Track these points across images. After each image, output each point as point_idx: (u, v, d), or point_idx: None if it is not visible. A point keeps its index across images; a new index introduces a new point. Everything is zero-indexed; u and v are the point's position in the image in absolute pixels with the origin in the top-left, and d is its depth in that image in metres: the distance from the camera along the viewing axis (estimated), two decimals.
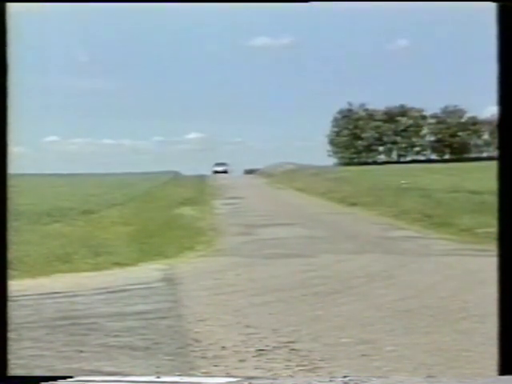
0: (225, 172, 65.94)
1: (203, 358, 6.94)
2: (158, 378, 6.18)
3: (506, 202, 3.07)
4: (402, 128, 70.71)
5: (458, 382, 5.97)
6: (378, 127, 71.33)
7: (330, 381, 5.79)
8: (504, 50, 3.03)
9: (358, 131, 71.76)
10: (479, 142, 69.80)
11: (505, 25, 3.02)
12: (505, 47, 3.03)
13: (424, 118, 71.45)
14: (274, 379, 6.16)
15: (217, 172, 65.09)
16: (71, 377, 4.28)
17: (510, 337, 3.03)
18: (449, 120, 70.07)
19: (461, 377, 6.13)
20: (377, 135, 71.66)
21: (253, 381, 5.88)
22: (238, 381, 5.89)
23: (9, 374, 3.19)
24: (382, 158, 73.16)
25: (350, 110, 72.97)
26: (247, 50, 65.54)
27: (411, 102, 70.39)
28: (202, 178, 49.54)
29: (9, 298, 3.43)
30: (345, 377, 6.10)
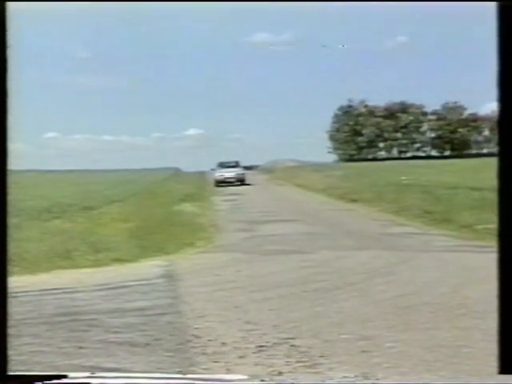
0: (240, 181, 40.88)
1: (203, 354, 6.94)
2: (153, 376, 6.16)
3: (506, 198, 3.07)
4: (402, 124, 70.75)
5: (458, 382, 5.97)
6: (378, 123, 71.35)
7: (344, 377, 5.79)
8: (504, 50, 3.03)
9: (358, 127, 71.80)
10: (479, 138, 69.84)
11: (505, 24, 3.02)
12: (505, 47, 3.03)
13: (424, 114, 71.50)
14: (283, 379, 6.16)
15: (223, 182, 40.25)
16: (67, 374, 4.26)
17: (510, 335, 3.02)
18: (449, 116, 70.10)
19: (460, 373, 6.13)
20: (377, 131, 71.69)
21: (265, 380, 5.86)
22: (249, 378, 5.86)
23: (9, 373, 3.19)
24: (383, 154, 73.21)
25: (350, 107, 73.01)
26: (247, 46, 65.52)
27: (411, 98, 70.40)
28: (202, 174, 49.55)
29: (9, 295, 3.44)
30: (356, 375, 6.09)
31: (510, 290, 3.01)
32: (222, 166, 42.62)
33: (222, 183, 40.12)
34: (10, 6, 3.07)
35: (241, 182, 41.09)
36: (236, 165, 43.24)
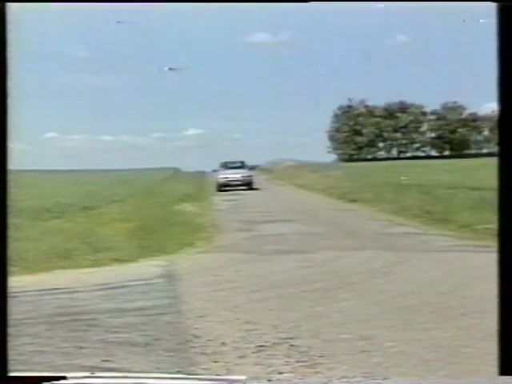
0: (246, 185, 35.33)
1: (203, 354, 6.94)
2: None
3: (506, 198, 3.07)
4: (401, 124, 70.81)
5: (458, 382, 5.97)
6: (377, 123, 71.36)
7: (347, 382, 5.78)
8: (504, 50, 3.04)
9: (358, 127, 71.82)
10: (479, 138, 69.87)
11: (505, 25, 3.02)
12: (505, 47, 3.04)
13: (424, 114, 71.56)
14: (289, 380, 6.15)
15: (227, 186, 34.90)
16: (66, 376, 4.28)
17: (510, 335, 3.02)
18: (449, 116, 70.12)
19: (460, 372, 6.13)
20: (377, 131, 71.71)
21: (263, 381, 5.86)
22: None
23: (10, 374, 3.20)
24: (382, 154, 73.28)
25: (350, 106, 73.04)
26: (246, 47, 65.46)
27: (411, 97, 70.45)
28: (201, 174, 49.53)
29: (9, 295, 3.44)
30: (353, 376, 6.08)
31: (509, 291, 3.01)
32: (226, 166, 36.90)
33: (225, 187, 34.82)
34: (9, 6, 3.07)
35: (247, 186, 35.29)
36: (242, 165, 37.45)
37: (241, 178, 35.48)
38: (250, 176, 36.16)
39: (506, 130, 3.03)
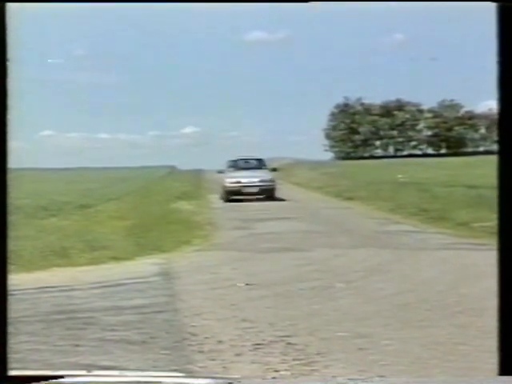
0: (265, 193, 26.00)
1: (200, 352, 6.94)
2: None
3: (505, 196, 3.07)
4: (398, 122, 70.82)
5: (457, 381, 5.97)
6: (374, 121, 71.39)
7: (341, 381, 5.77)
8: (504, 50, 3.03)
9: (354, 125, 71.84)
10: (476, 136, 69.91)
11: (505, 25, 3.02)
12: (505, 47, 3.03)
13: (421, 112, 71.55)
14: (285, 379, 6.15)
15: (239, 194, 25.61)
16: (65, 374, 4.27)
17: (510, 334, 3.02)
18: (445, 114, 70.15)
19: (458, 370, 6.14)
20: (373, 129, 71.74)
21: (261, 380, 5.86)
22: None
23: (10, 374, 3.19)
24: (379, 152, 73.31)
25: (346, 105, 73.04)
26: (243, 45, 65.46)
27: (408, 96, 70.54)
28: (198, 172, 49.49)
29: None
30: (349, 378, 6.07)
31: (509, 289, 3.01)
32: (236, 166, 27.31)
33: (235, 195, 25.45)
34: (9, 5, 3.06)
35: (267, 194, 25.74)
36: (259, 165, 27.36)
37: (259, 183, 25.72)
38: (271, 181, 26.28)
39: (506, 128, 3.03)
